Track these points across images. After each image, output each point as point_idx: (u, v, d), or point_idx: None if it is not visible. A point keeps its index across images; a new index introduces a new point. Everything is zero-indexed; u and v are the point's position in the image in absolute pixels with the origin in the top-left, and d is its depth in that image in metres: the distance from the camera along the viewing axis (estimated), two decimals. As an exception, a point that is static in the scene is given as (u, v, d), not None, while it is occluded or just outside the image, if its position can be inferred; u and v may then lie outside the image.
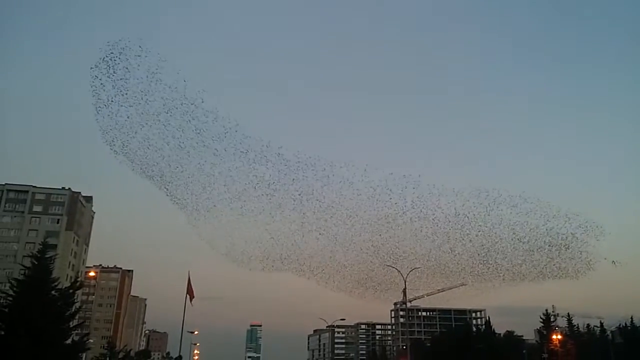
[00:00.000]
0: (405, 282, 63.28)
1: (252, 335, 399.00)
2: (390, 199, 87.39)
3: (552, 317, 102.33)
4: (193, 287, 47.21)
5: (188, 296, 47.12)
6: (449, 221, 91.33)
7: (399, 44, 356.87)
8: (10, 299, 39.28)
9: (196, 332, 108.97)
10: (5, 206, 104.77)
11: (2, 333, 37.21)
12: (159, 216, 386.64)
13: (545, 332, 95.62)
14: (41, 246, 43.06)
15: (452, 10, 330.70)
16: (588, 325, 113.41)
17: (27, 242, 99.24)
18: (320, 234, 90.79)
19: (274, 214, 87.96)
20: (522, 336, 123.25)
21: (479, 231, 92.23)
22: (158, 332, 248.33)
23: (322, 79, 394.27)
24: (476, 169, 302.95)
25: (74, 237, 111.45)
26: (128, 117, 65.49)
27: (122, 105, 64.17)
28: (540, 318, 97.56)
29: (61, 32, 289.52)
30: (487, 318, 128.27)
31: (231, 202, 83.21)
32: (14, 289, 39.58)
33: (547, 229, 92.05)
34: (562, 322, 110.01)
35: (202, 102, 68.93)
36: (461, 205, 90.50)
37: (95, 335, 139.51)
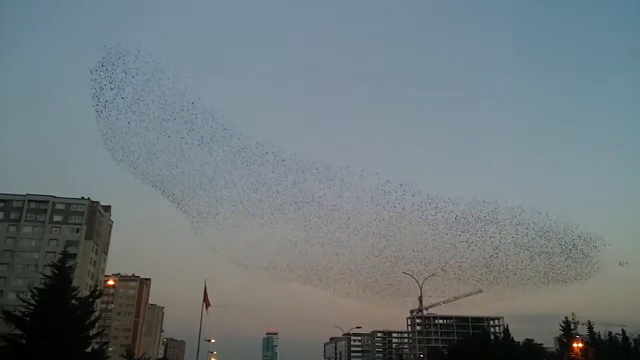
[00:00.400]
0: (421, 290, 62.94)
1: (268, 344, 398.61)
2: (388, 202, 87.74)
3: (572, 324, 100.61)
4: (209, 295, 47.68)
5: (204, 304, 47.56)
6: (450, 227, 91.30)
7: (399, 45, 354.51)
8: (32, 307, 40.08)
9: (213, 341, 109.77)
10: (26, 216, 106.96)
11: (24, 341, 37.98)
12: (175, 225, 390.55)
13: (565, 340, 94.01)
14: (61, 255, 43.91)
15: (452, 11, 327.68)
16: (609, 332, 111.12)
17: (47, 252, 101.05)
18: (325, 240, 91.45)
19: (277, 218, 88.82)
20: (541, 344, 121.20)
21: (482, 238, 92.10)
22: (175, 340, 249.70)
23: (321, 81, 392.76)
24: (474, 178, 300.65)
25: (93, 246, 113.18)
26: (129, 123, 66.54)
27: (121, 111, 65.28)
28: (560, 326, 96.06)
29: (67, 36, 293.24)
30: (506, 326, 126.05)
31: (233, 205, 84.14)
32: (35, 297, 40.40)
33: (547, 239, 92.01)
34: (582, 330, 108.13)
35: (201, 104, 70.04)
36: (460, 212, 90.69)
37: (114, 344, 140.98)
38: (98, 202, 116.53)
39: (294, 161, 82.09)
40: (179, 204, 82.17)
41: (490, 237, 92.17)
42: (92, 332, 45.98)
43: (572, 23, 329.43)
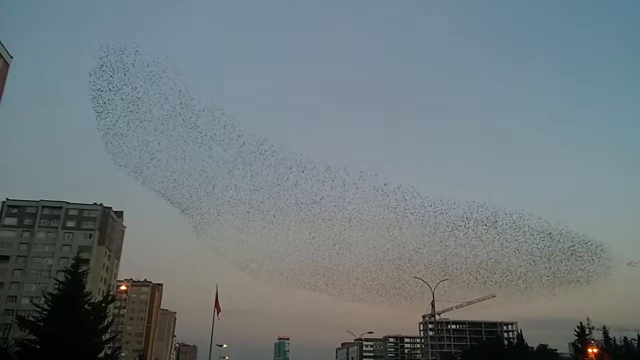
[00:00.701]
0: (433, 295, 62.47)
1: (280, 349, 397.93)
2: (388, 204, 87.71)
3: (587, 329, 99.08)
4: (220, 300, 47.73)
5: (215, 310, 47.61)
6: (453, 230, 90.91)
7: (400, 49, 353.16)
8: (45, 313, 40.44)
9: (225, 346, 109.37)
10: (40, 222, 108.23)
11: (37, 346, 38.33)
12: (186, 230, 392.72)
13: (580, 345, 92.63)
14: (74, 261, 44.28)
15: (452, 20, 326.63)
16: (625, 338, 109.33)
17: (61, 257, 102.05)
18: (328, 243, 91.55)
19: (279, 220, 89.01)
20: (556, 350, 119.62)
21: (484, 242, 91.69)
22: (187, 345, 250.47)
23: (320, 82, 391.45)
24: (470, 183, 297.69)
25: (106, 252, 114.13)
26: (128, 124, 66.80)
27: (121, 113, 65.70)
28: (575, 331, 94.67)
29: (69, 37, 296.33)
30: (519, 331, 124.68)
31: (235, 207, 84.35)
32: (49, 303, 40.76)
33: (549, 243, 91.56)
34: (597, 335, 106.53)
35: (201, 103, 70.35)
36: (460, 216, 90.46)
37: (126, 349, 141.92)
38: (110, 208, 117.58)
39: (294, 160, 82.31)
40: (182, 209, 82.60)
41: (492, 241, 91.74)
42: (105, 337, 46.28)
43: (571, 32, 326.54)
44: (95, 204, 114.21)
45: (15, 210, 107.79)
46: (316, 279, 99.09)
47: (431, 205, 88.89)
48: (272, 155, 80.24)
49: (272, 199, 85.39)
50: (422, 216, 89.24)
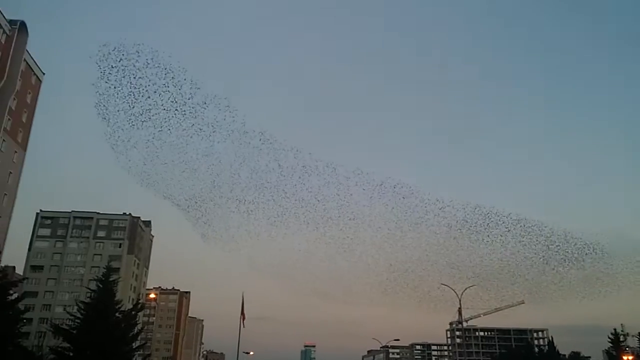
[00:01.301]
0: (460, 301, 61.86)
1: (306, 356, 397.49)
2: (405, 206, 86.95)
3: (621, 336, 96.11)
4: (246, 307, 48.32)
5: (241, 317, 48.22)
6: (475, 234, 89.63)
7: (403, 50, 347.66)
8: (78, 321, 41.64)
9: (251, 353, 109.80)
10: (72, 232, 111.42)
11: (71, 354, 39.54)
12: (215, 242, 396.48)
13: (614, 352, 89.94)
14: (105, 270, 45.50)
15: (454, 23, 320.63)
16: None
17: (92, 266, 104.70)
18: (346, 250, 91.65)
19: (299, 228, 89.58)
20: (589, 357, 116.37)
21: (509, 248, 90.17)
22: (215, 352, 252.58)
23: (321, 79, 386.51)
24: (468, 186, 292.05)
25: (135, 261, 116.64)
26: (132, 125, 67.73)
27: (127, 118, 66.79)
28: (609, 338, 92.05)
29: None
30: (550, 338, 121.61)
31: (256, 215, 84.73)
32: (81, 311, 41.96)
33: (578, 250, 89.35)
34: (632, 342, 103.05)
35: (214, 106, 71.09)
36: (458, 216, 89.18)
37: (156, 356, 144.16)
38: (139, 218, 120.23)
39: (317, 166, 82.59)
40: (200, 220, 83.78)
41: (518, 247, 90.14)
42: (135, 345, 47.25)
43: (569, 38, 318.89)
44: (124, 214, 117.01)
45: (49, 222, 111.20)
46: (334, 287, 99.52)
47: (449, 208, 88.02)
48: (304, 167, 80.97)
49: (292, 207, 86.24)
50: (442, 219, 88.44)
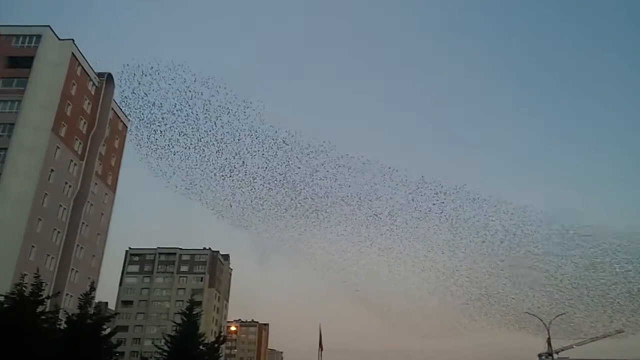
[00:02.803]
0: (548, 331, 57.18)
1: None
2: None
3: None
4: (328, 338, 47.58)
5: (320, 349, 47.49)
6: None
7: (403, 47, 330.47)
8: (165, 354, 42.98)
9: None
10: (158, 267, 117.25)
11: (160, 386, 40.76)
12: (287, 270, 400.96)
13: None
14: (189, 303, 46.94)
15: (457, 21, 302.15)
16: None
17: (176, 300, 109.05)
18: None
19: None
20: None
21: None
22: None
23: (321, 75, 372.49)
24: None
25: (216, 294, 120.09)
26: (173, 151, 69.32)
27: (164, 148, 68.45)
28: None
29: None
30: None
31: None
32: (168, 344, 43.34)
33: None
34: None
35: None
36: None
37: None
38: (218, 252, 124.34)
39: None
40: (274, 249, 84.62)
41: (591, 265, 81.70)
42: (218, 378, 47.85)
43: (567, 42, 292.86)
44: (204, 248, 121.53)
45: (137, 258, 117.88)
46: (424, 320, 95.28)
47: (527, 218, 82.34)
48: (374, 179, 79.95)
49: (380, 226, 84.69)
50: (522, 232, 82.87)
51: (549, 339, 60.59)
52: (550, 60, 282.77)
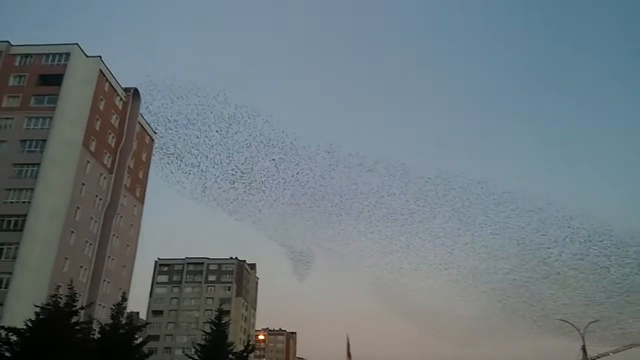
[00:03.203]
0: (583, 338, 55.44)
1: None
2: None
3: None
4: (354, 347, 47.26)
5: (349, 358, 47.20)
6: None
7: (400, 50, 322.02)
8: (196, 363, 43.36)
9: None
10: (186, 277, 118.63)
11: (191, 395, 41.07)
12: (314, 277, 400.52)
13: None
14: (217, 312, 47.29)
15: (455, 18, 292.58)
16: None
17: (205, 309, 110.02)
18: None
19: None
20: None
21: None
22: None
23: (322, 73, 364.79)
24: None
25: (243, 303, 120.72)
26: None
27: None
28: None
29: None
30: None
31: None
32: (198, 353, 43.68)
33: None
34: None
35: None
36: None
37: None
38: (244, 261, 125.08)
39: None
40: (302, 258, 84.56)
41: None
42: (248, 386, 47.93)
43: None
44: (231, 258, 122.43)
45: (166, 269, 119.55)
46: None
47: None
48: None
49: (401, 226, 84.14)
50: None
51: (583, 346, 58.79)
52: (550, 60, 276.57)
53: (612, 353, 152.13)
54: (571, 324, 61.71)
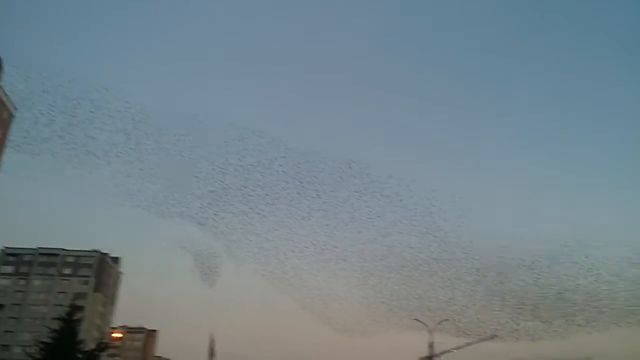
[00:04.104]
0: (431, 335, 62.53)
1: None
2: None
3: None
4: (220, 346, 48.11)
5: (213, 357, 48.00)
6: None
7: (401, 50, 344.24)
8: (38, 362, 40.87)
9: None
10: (37, 269, 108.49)
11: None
12: (186, 274, 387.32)
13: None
14: (69, 308, 44.97)
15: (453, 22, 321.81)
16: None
17: (55, 305, 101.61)
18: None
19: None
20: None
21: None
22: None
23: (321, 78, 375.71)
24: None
25: (102, 299, 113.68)
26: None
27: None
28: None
29: None
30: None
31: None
32: (42, 352, 41.25)
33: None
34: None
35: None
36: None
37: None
38: (107, 254, 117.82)
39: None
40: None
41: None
42: (96, 386, 46.21)
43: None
44: (92, 250, 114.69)
45: (13, 259, 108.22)
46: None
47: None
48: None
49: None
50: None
51: (431, 342, 66.05)
52: (550, 60, 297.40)
53: (456, 350, 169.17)
54: (422, 323, 68.80)
